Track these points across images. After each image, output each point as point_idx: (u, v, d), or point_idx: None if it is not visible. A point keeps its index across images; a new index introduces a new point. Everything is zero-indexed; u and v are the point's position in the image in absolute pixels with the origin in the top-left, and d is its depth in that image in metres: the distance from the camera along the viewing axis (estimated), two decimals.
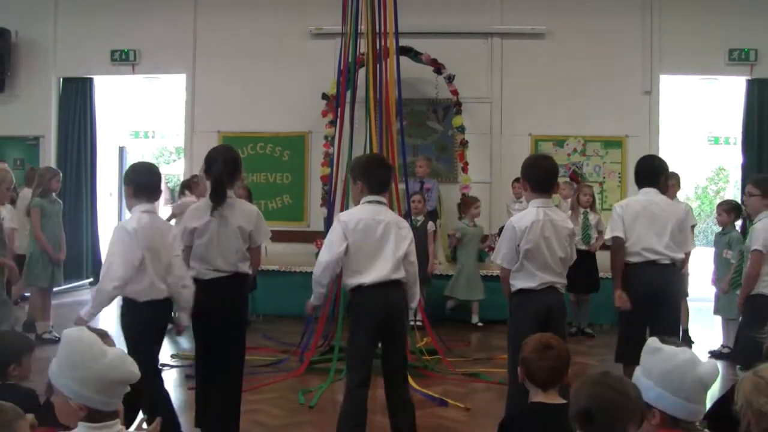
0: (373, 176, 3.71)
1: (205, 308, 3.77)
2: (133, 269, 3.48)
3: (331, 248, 3.57)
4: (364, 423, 3.62)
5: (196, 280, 3.78)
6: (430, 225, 7.39)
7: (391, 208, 5.49)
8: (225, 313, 3.80)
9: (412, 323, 6.51)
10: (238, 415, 3.90)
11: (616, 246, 4.40)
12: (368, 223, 3.58)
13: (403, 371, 3.73)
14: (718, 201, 8.42)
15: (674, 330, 4.32)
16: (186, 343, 6.70)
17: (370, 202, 3.65)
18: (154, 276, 3.56)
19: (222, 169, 3.74)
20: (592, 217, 7.18)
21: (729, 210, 6.26)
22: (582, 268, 6.40)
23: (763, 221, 4.54)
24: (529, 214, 3.72)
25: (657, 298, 4.26)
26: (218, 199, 3.73)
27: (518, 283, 3.74)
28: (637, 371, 1.99)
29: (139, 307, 3.56)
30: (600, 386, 1.96)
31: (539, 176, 3.77)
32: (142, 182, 3.68)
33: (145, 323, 3.60)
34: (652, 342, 2.00)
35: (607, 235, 4.55)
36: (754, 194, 4.66)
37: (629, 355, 4.31)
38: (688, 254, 4.60)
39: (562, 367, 2.48)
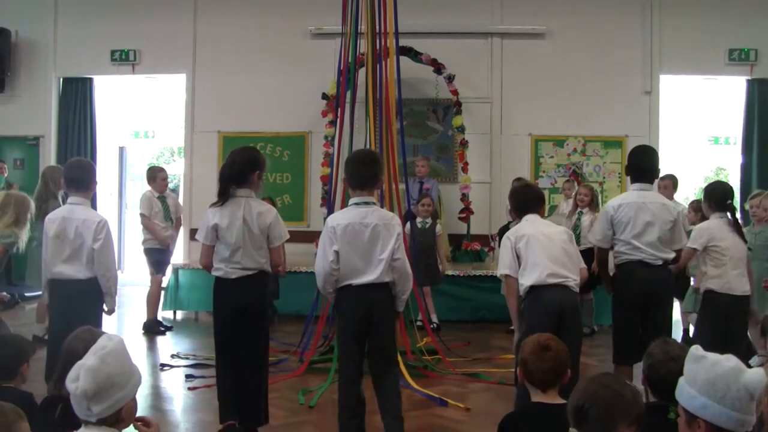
0: (351, 170, 3.75)
1: (232, 305, 3.88)
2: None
3: (323, 258, 3.61)
4: (359, 414, 3.68)
5: (222, 280, 3.89)
6: (438, 228, 7.30)
7: (391, 209, 5.52)
8: (250, 309, 3.90)
9: (419, 324, 6.50)
10: (266, 402, 4.02)
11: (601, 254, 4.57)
12: (355, 228, 3.59)
13: (390, 369, 3.74)
14: None
15: (666, 330, 4.32)
16: (186, 343, 6.72)
17: (357, 204, 3.67)
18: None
19: (225, 174, 3.89)
20: (586, 218, 6.99)
21: (697, 209, 6.18)
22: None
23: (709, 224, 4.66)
24: (522, 224, 4.00)
25: (649, 299, 4.28)
26: (220, 197, 3.87)
27: (527, 279, 3.78)
28: (681, 380, 1.95)
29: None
30: (594, 384, 1.99)
31: (525, 201, 4.07)
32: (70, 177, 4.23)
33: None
34: (696, 350, 1.95)
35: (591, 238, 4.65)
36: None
37: (623, 357, 4.34)
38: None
39: (560, 367, 2.49)
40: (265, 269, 3.96)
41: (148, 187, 7.34)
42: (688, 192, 17.54)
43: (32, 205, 5.15)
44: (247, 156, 3.94)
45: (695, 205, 6.30)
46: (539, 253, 3.77)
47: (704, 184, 18.18)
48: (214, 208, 3.91)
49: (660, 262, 4.31)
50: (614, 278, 4.52)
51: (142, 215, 7.10)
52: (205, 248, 3.94)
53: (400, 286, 3.67)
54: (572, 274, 3.80)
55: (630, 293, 4.32)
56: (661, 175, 6.89)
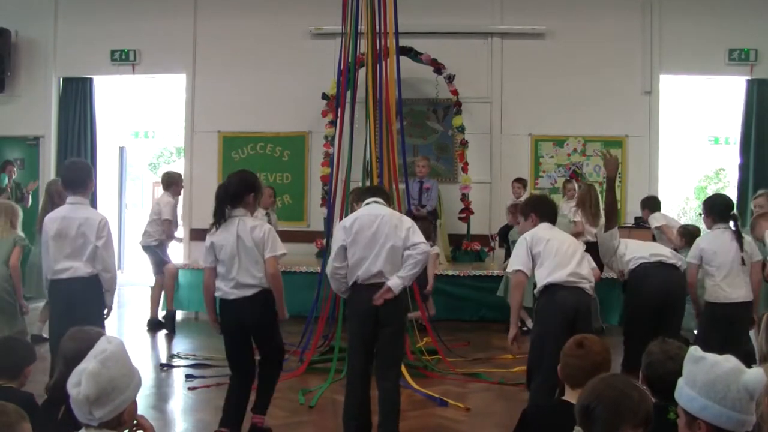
0: (359, 192, 4.37)
1: (233, 326, 3.91)
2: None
3: (331, 255, 3.86)
4: (361, 416, 3.70)
5: (222, 301, 3.92)
6: (434, 248, 6.91)
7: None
8: (255, 327, 3.96)
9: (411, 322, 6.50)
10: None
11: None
12: (364, 220, 3.77)
13: (390, 373, 3.74)
14: None
15: (677, 333, 4.33)
16: (186, 343, 6.72)
17: (368, 203, 3.92)
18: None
19: (220, 194, 3.91)
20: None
21: (684, 234, 6.14)
22: None
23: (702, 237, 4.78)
24: (538, 230, 4.09)
25: (666, 302, 4.36)
26: (215, 217, 3.90)
27: (545, 275, 3.89)
28: (680, 382, 1.95)
29: None
30: (601, 384, 1.98)
31: (551, 211, 4.21)
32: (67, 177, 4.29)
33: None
34: (695, 351, 1.95)
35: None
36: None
37: (633, 361, 4.34)
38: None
39: (589, 367, 2.47)
40: (266, 287, 3.93)
41: (155, 190, 7.42)
42: (688, 192, 17.55)
43: (20, 210, 5.36)
44: (243, 178, 3.99)
45: (682, 230, 6.25)
46: (560, 254, 3.92)
47: (702, 184, 18.25)
48: (211, 231, 3.94)
49: (678, 262, 4.47)
50: (626, 284, 4.57)
51: (168, 221, 7.18)
52: (206, 270, 3.95)
53: (410, 269, 3.68)
54: (589, 277, 3.95)
55: (646, 297, 4.35)
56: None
